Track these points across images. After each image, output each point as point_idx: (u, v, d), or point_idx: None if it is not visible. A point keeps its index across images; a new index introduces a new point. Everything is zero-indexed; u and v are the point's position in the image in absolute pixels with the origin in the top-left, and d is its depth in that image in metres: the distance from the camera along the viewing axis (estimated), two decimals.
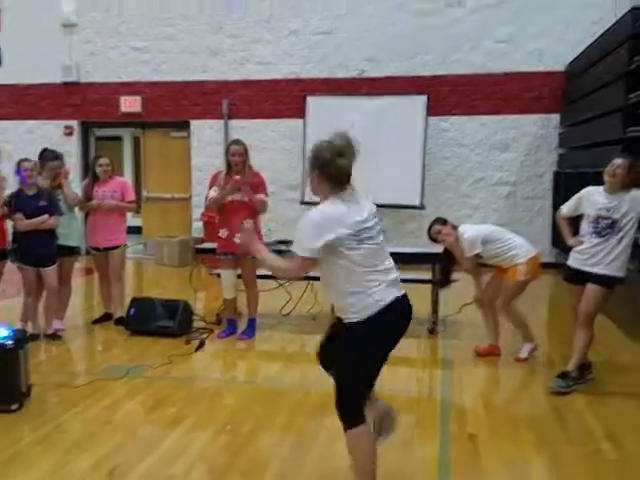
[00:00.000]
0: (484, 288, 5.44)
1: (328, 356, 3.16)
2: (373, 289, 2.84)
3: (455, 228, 5.32)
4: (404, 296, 2.95)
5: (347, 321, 2.92)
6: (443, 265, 5.55)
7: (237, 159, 5.69)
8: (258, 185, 5.77)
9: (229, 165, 5.75)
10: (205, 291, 7.82)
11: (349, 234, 2.78)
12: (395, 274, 2.95)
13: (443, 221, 5.38)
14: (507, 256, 5.15)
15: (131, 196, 6.38)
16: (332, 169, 2.82)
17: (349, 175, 2.88)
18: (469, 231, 5.22)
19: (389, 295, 2.87)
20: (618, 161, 4.45)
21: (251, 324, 6.03)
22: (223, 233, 5.80)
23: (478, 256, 5.18)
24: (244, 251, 3.78)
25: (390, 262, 2.97)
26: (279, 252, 6.27)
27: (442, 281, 5.65)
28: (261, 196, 5.76)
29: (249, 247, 3.09)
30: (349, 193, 2.88)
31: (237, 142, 5.84)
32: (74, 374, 5.03)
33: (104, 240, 6.23)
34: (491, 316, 5.43)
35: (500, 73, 9.57)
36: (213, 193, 5.74)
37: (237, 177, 5.59)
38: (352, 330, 2.89)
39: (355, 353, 2.89)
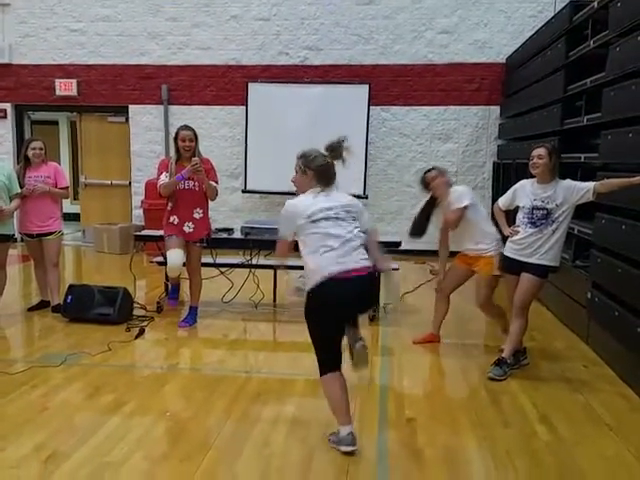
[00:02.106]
0: (444, 277, 5.41)
1: None
2: (320, 265, 3.33)
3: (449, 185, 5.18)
4: (355, 270, 3.35)
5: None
6: (423, 214, 5.26)
7: (187, 144, 5.61)
8: (209, 171, 5.69)
9: (178, 151, 5.67)
10: (146, 279, 7.71)
11: (305, 221, 3.38)
12: (349, 253, 3.38)
13: (442, 171, 5.21)
14: (480, 236, 5.04)
15: (64, 182, 6.19)
16: (323, 173, 3.52)
17: (333, 177, 3.55)
18: (460, 188, 5.15)
19: (332, 269, 3.31)
20: (537, 151, 4.56)
21: (193, 312, 5.98)
22: (174, 220, 5.69)
23: (463, 214, 4.98)
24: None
25: (346, 244, 3.39)
26: (220, 240, 6.32)
27: (419, 229, 5.26)
28: (213, 183, 5.70)
29: None
30: (326, 191, 3.50)
31: (187, 127, 5.73)
32: (10, 361, 4.89)
33: (37, 227, 6.04)
34: (444, 305, 5.45)
35: (442, 64, 9.70)
36: (164, 178, 5.62)
37: (195, 158, 5.50)
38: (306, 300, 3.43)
39: (308, 321, 3.44)
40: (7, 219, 5.78)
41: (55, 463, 3.29)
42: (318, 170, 3.51)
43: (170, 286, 6.55)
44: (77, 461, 3.31)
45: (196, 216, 5.71)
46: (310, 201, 3.45)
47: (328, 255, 3.32)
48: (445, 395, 4.43)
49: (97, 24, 10.35)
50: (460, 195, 5.00)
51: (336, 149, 3.53)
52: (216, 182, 5.78)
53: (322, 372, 3.48)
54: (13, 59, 10.59)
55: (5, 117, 10.79)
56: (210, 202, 5.90)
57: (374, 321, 6.09)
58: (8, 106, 10.82)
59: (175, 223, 5.70)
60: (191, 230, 5.71)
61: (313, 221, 3.38)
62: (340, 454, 3.44)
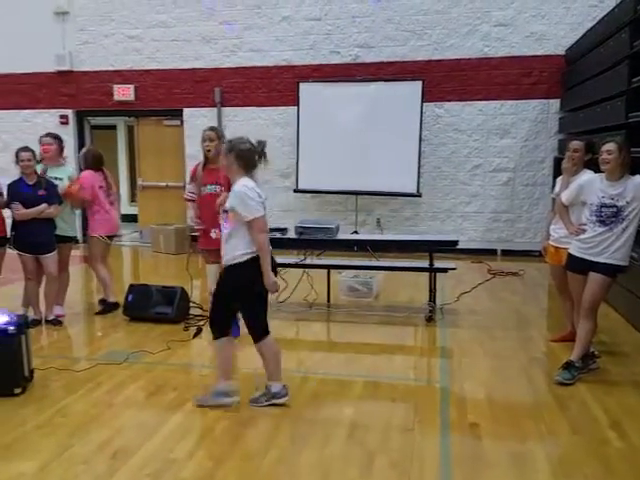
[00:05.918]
0: (555, 274, 5.27)
1: None
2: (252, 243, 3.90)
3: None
4: None
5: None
6: None
7: (208, 144, 5.50)
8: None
9: (205, 154, 5.60)
10: (202, 278, 7.76)
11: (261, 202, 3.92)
12: None
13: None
14: None
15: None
16: (251, 160, 3.96)
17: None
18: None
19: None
20: (606, 147, 4.37)
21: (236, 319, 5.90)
22: (202, 226, 5.59)
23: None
24: None
25: None
26: (274, 241, 6.27)
27: None
28: None
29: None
30: (254, 178, 4.02)
31: (211, 128, 5.69)
32: (75, 359, 5.05)
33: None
34: (567, 300, 5.22)
35: (498, 57, 9.48)
36: (190, 187, 5.69)
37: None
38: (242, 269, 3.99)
39: (248, 289, 4.00)
40: (70, 219, 6.12)
41: (122, 459, 3.35)
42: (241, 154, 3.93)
43: None
44: (142, 457, 3.36)
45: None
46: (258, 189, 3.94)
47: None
48: (509, 399, 4.27)
49: (153, 30, 10.52)
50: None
51: (262, 145, 3.97)
52: None
53: (218, 336, 4.05)
54: (73, 66, 10.86)
55: (67, 123, 11.06)
56: None
57: (431, 322, 5.98)
58: (70, 112, 11.10)
59: (203, 230, 5.58)
60: (217, 236, 5.33)
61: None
62: (402, 457, 3.37)
